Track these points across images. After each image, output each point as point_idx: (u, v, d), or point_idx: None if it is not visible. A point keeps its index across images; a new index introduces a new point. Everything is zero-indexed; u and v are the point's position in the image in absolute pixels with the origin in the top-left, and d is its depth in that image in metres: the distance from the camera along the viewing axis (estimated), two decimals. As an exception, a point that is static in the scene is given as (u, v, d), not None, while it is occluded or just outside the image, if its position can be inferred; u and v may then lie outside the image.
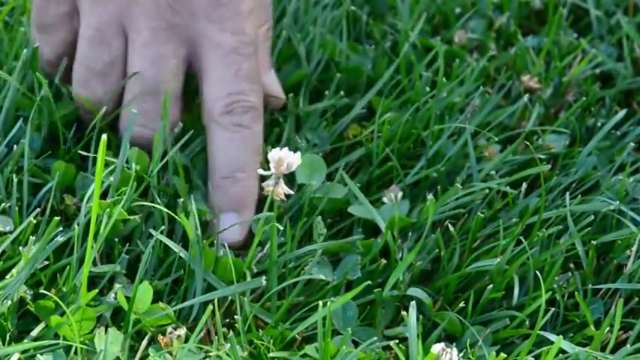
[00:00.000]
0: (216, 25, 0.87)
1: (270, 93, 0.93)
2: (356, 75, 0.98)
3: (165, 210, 0.84)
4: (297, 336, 0.81)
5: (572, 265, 0.87)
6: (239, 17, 0.87)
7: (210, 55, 0.87)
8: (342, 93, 0.96)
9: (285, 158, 0.81)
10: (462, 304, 0.83)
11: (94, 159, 0.86)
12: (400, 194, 0.89)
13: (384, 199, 0.88)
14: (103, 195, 0.83)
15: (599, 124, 0.95)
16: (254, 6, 0.88)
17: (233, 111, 0.86)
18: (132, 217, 0.84)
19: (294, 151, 0.81)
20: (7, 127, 0.89)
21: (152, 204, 0.85)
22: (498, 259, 0.84)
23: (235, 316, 0.80)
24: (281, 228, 0.83)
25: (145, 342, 0.80)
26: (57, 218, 0.81)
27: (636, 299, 0.85)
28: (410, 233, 0.87)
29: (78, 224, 0.81)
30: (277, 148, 0.81)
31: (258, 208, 0.87)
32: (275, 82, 0.94)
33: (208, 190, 0.87)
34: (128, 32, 0.87)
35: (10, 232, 0.83)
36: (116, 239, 0.84)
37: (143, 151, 0.87)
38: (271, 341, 0.80)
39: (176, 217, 0.83)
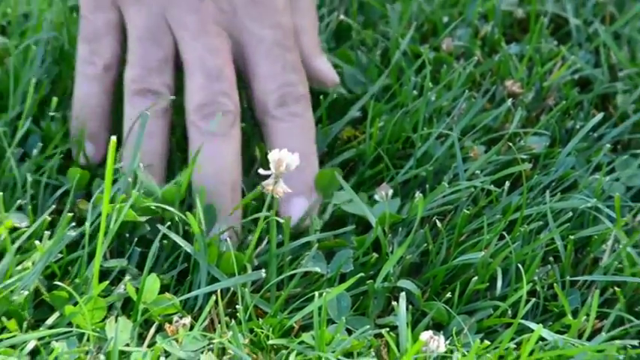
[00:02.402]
0: (256, 21, 0.86)
1: (323, 77, 0.93)
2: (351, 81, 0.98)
3: (172, 210, 0.84)
4: (294, 324, 0.82)
5: (551, 259, 0.87)
6: (276, 12, 0.87)
7: (255, 51, 0.86)
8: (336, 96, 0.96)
9: (284, 159, 0.80)
10: (448, 295, 0.84)
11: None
12: (391, 192, 0.89)
13: (376, 197, 0.89)
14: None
15: (577, 126, 0.96)
16: (287, 1, 0.88)
17: (286, 102, 0.86)
18: (139, 219, 0.84)
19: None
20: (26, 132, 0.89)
21: (160, 205, 0.85)
22: (483, 253, 0.84)
23: (237, 306, 0.81)
24: (281, 221, 0.83)
25: (152, 330, 0.80)
26: (70, 214, 0.82)
27: (611, 290, 0.85)
28: (400, 228, 0.87)
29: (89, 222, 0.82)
30: (277, 150, 0.80)
31: (259, 206, 0.87)
32: (327, 65, 0.93)
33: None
34: (175, 30, 0.86)
35: (27, 227, 0.84)
36: (126, 234, 0.85)
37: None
38: (270, 329, 0.81)
39: (181, 215, 0.84)
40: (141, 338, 0.80)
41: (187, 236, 0.84)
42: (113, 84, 0.89)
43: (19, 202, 0.86)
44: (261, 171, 0.82)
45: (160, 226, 0.83)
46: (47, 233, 0.82)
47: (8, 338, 0.78)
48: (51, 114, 0.90)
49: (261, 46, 0.86)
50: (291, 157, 0.80)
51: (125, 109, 0.87)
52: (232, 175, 0.85)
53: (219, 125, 0.85)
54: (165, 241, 0.84)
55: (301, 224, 0.86)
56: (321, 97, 0.95)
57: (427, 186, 0.90)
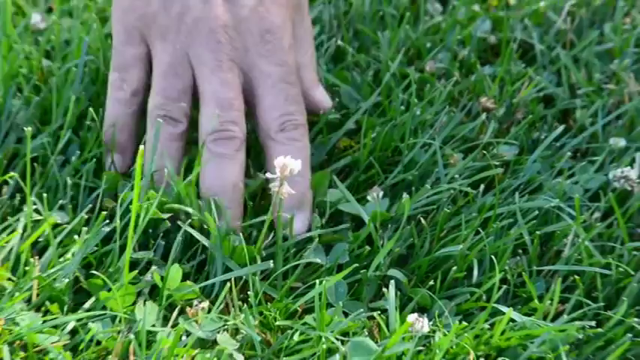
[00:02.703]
0: (265, 59, 0.86)
1: (320, 104, 0.93)
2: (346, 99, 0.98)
3: (191, 210, 0.84)
4: (298, 308, 0.82)
5: (520, 251, 0.87)
6: (282, 52, 0.87)
7: (263, 84, 0.86)
8: (334, 111, 0.96)
9: (288, 164, 0.80)
10: (431, 283, 0.84)
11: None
12: (381, 194, 0.89)
13: (368, 198, 0.88)
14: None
15: (542, 137, 0.96)
16: (292, 41, 0.88)
17: (286, 129, 0.86)
18: (163, 216, 0.84)
19: (296, 159, 0.81)
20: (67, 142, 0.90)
21: (179, 205, 0.85)
22: (461, 246, 0.84)
23: (248, 292, 0.81)
24: (288, 217, 0.83)
25: (175, 313, 0.80)
26: (104, 213, 0.82)
27: (571, 279, 0.85)
28: (389, 225, 0.87)
29: (119, 218, 0.82)
30: (282, 156, 0.80)
31: (267, 206, 0.87)
32: (323, 95, 0.93)
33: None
34: (195, 65, 0.86)
35: (67, 224, 0.84)
36: (150, 230, 0.85)
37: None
38: (277, 312, 0.81)
39: (199, 214, 0.84)
40: (165, 320, 0.80)
41: (203, 232, 0.84)
42: (139, 107, 0.88)
43: (60, 202, 0.86)
44: (268, 175, 0.82)
45: (181, 224, 0.83)
46: (85, 229, 0.82)
47: (51, 319, 0.78)
48: (87, 123, 0.90)
49: (268, 80, 0.86)
50: (294, 162, 0.80)
51: (147, 132, 0.87)
52: (235, 191, 0.85)
53: (227, 149, 0.85)
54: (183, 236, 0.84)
55: (299, 231, 0.86)
56: (320, 111, 0.94)
57: (413, 188, 0.90)
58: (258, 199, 0.89)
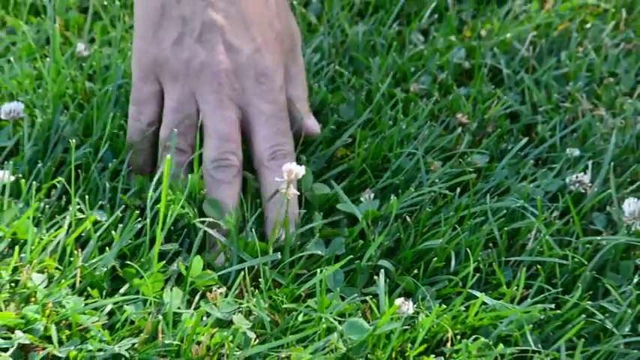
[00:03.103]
0: (260, 98, 0.86)
1: (311, 130, 0.92)
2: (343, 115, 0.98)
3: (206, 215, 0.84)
4: (302, 293, 0.81)
5: (491, 245, 0.87)
6: (275, 92, 0.87)
7: (257, 120, 0.86)
8: (332, 127, 0.95)
9: (294, 169, 0.81)
10: (415, 271, 0.83)
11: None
12: (372, 195, 0.88)
13: (362, 199, 0.88)
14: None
15: (509, 147, 0.95)
16: (283, 82, 0.88)
17: (276, 157, 0.86)
18: (185, 211, 0.84)
19: (301, 165, 0.82)
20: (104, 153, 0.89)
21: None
22: (440, 240, 0.84)
23: (259, 279, 0.81)
24: (294, 213, 0.83)
25: (197, 297, 0.80)
26: (137, 212, 0.82)
27: (534, 268, 0.85)
28: (379, 222, 0.87)
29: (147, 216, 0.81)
30: (289, 163, 0.82)
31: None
32: (314, 123, 0.93)
33: (263, 211, 0.86)
34: (200, 103, 0.86)
35: (106, 221, 0.84)
36: (171, 227, 0.85)
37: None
38: (284, 296, 0.80)
39: (217, 221, 0.84)
40: (189, 303, 0.80)
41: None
42: (154, 134, 0.89)
43: (100, 202, 0.85)
44: (277, 179, 0.82)
45: (199, 224, 0.83)
46: (120, 225, 0.82)
47: (92, 302, 0.78)
48: (122, 133, 0.90)
49: (262, 116, 0.87)
50: (298, 168, 0.81)
51: (159, 159, 0.87)
52: (232, 209, 0.85)
53: (226, 175, 0.85)
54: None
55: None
56: (321, 125, 0.94)
57: (399, 191, 0.89)
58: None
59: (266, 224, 0.86)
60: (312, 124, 0.93)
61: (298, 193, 0.83)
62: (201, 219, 0.83)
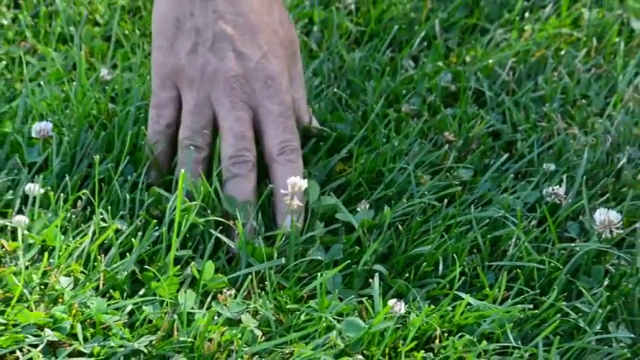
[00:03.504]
0: (268, 100, 0.87)
1: (313, 130, 0.93)
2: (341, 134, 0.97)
3: (221, 219, 0.84)
4: (304, 295, 0.81)
5: (475, 251, 0.86)
6: (281, 93, 0.87)
7: (267, 119, 0.87)
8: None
9: (297, 182, 0.82)
10: (407, 275, 0.83)
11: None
12: (368, 206, 0.88)
13: (358, 209, 0.88)
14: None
15: (491, 162, 0.95)
16: (289, 84, 0.88)
17: (285, 152, 0.86)
18: (200, 220, 0.83)
19: (303, 179, 0.82)
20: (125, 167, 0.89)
21: (210, 217, 0.84)
22: (429, 247, 0.84)
23: (265, 282, 0.80)
24: (299, 225, 0.83)
25: (209, 298, 0.80)
26: (155, 221, 0.82)
27: (514, 272, 0.84)
28: (374, 230, 0.86)
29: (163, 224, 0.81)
30: (292, 177, 0.82)
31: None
32: (315, 122, 0.94)
33: (274, 202, 0.86)
34: (215, 106, 0.86)
35: (126, 229, 0.83)
36: (186, 235, 0.84)
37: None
38: (288, 298, 0.80)
39: (229, 222, 0.84)
40: (201, 304, 0.80)
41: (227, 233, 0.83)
42: (172, 136, 0.89)
43: (121, 212, 0.85)
44: (282, 191, 0.82)
45: (212, 231, 0.83)
46: (139, 233, 0.82)
47: (114, 303, 0.78)
48: (141, 143, 0.90)
49: (270, 116, 0.87)
50: (302, 181, 0.82)
51: (178, 157, 0.87)
52: (249, 200, 0.85)
53: (242, 170, 0.85)
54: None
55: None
56: (321, 143, 0.94)
57: (392, 202, 0.89)
58: (269, 209, 0.88)
59: (277, 212, 0.85)
60: (311, 123, 0.93)
61: (302, 204, 0.83)
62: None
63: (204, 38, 0.86)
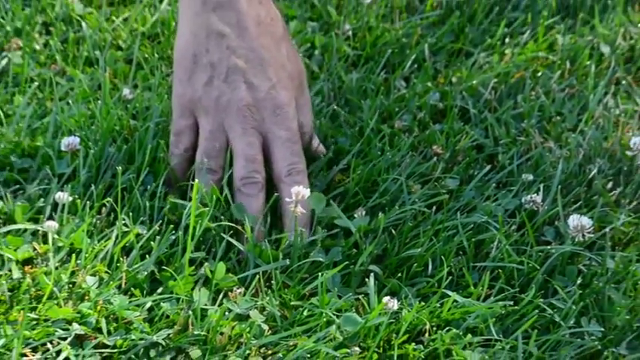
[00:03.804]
0: (276, 126, 0.87)
1: (318, 151, 0.93)
2: (340, 148, 0.98)
3: (231, 224, 0.84)
4: (306, 293, 0.81)
5: (461, 253, 0.86)
6: (288, 120, 0.87)
7: (275, 143, 0.87)
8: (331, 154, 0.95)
9: (301, 191, 0.82)
10: (399, 274, 0.83)
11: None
12: (364, 212, 0.88)
13: (355, 215, 0.88)
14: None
15: (475, 173, 0.95)
16: (295, 112, 0.89)
17: (292, 174, 0.86)
18: (212, 225, 0.84)
19: (305, 188, 0.82)
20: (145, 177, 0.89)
21: (221, 222, 0.84)
22: (420, 249, 0.84)
23: (272, 281, 0.81)
24: (303, 230, 0.83)
25: (221, 296, 0.80)
26: (172, 226, 0.82)
27: (496, 272, 0.85)
28: (370, 234, 0.87)
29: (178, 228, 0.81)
30: (296, 186, 0.82)
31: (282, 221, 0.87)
32: (318, 143, 0.94)
33: (283, 218, 0.86)
34: (228, 132, 0.87)
35: (146, 233, 0.84)
36: (200, 239, 0.84)
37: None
38: (292, 295, 0.80)
39: (239, 228, 0.83)
40: (214, 301, 0.80)
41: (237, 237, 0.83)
42: (189, 158, 0.89)
43: (141, 218, 0.85)
44: (287, 199, 0.82)
45: (224, 235, 0.83)
46: (158, 237, 0.82)
47: (135, 300, 0.78)
48: (160, 155, 0.90)
49: (278, 141, 0.87)
50: (304, 190, 0.82)
51: (196, 178, 0.87)
52: (258, 217, 0.85)
53: (252, 190, 0.86)
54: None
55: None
56: (322, 155, 0.94)
57: (386, 209, 0.89)
58: (274, 217, 0.88)
59: (284, 222, 0.85)
60: (319, 146, 0.93)
61: (305, 211, 0.83)
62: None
63: (219, 72, 0.86)
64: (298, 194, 0.81)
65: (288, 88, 0.88)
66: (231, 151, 0.87)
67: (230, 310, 0.78)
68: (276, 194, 0.85)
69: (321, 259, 0.83)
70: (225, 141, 0.87)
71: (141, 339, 0.75)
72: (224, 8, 0.86)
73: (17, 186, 0.89)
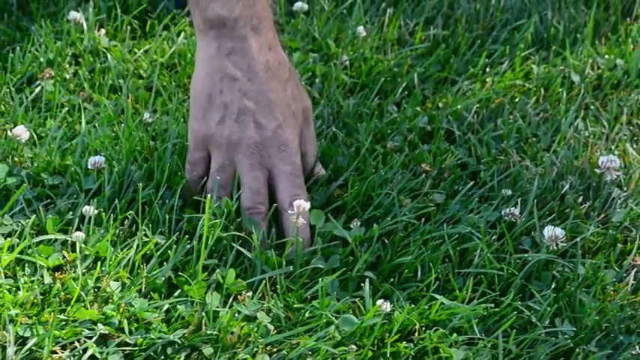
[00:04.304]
0: (281, 161, 0.87)
1: (319, 174, 0.93)
2: (338, 167, 0.97)
3: (240, 234, 0.84)
4: (308, 296, 0.81)
5: (447, 260, 0.86)
6: (292, 156, 0.87)
7: (279, 176, 0.87)
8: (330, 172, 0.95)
9: (302, 204, 0.82)
10: (392, 280, 0.83)
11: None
12: (359, 224, 0.88)
13: (351, 226, 0.88)
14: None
15: (460, 188, 0.95)
16: (298, 148, 0.88)
17: (293, 204, 0.84)
18: (224, 235, 0.83)
19: (306, 201, 0.82)
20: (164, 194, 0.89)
21: (232, 233, 0.84)
22: (410, 257, 0.84)
23: (277, 286, 0.80)
24: (301, 239, 0.83)
25: (231, 299, 0.79)
26: (187, 236, 0.82)
27: (479, 277, 0.84)
28: (365, 244, 0.86)
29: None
30: (298, 200, 0.82)
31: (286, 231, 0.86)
32: (321, 169, 0.93)
33: (286, 230, 0.85)
34: (237, 166, 0.87)
35: (165, 242, 0.83)
36: (213, 248, 0.84)
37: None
38: (295, 298, 0.80)
39: (248, 238, 0.83)
40: (225, 303, 0.79)
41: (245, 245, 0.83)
42: (202, 183, 0.89)
43: (160, 229, 0.85)
44: (289, 212, 0.82)
45: (234, 244, 0.82)
46: (175, 246, 0.82)
47: (154, 303, 0.78)
48: (177, 172, 0.90)
49: (282, 174, 0.87)
50: (305, 203, 0.82)
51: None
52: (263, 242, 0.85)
53: (256, 218, 0.85)
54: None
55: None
56: (322, 174, 0.94)
57: (380, 220, 0.89)
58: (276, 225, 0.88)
59: (286, 245, 0.85)
60: (320, 170, 0.94)
61: (305, 222, 0.83)
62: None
63: (231, 112, 0.87)
64: (299, 207, 0.82)
65: (292, 126, 0.88)
66: (239, 181, 0.87)
67: (239, 312, 0.77)
68: (275, 204, 0.86)
69: (320, 266, 0.83)
70: (234, 173, 0.87)
71: (159, 338, 0.75)
72: (237, 54, 0.87)
73: (48, 200, 0.88)
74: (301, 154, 0.90)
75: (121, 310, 0.77)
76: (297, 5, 1.18)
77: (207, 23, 0.87)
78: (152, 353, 0.74)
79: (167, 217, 0.86)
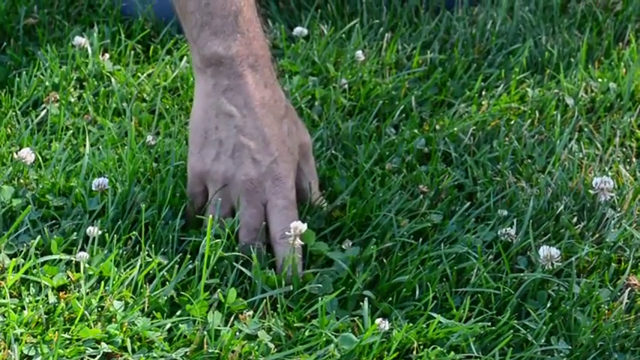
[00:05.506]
0: (275, 196, 0.87)
1: (321, 204, 0.92)
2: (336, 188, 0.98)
3: (241, 254, 0.84)
4: (307, 315, 0.81)
5: (444, 279, 0.86)
6: (286, 191, 0.87)
7: (273, 210, 0.86)
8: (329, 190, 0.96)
9: (299, 226, 0.82)
10: (390, 299, 0.83)
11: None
12: (351, 244, 0.88)
13: (343, 246, 0.88)
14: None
15: (457, 209, 0.95)
16: (293, 183, 0.88)
17: (285, 237, 0.85)
18: (225, 254, 0.84)
19: (303, 222, 0.83)
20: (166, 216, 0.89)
21: (233, 253, 0.85)
22: (408, 276, 0.84)
23: (277, 305, 0.80)
24: (299, 255, 0.83)
25: (232, 318, 0.80)
26: (189, 256, 0.82)
27: (476, 296, 0.84)
28: (362, 264, 0.86)
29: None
30: (295, 221, 0.83)
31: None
32: (320, 199, 0.93)
33: (276, 264, 0.86)
34: (233, 201, 0.87)
35: (168, 263, 0.84)
36: (214, 267, 0.84)
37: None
38: (295, 317, 0.80)
39: (249, 257, 0.83)
40: (226, 322, 0.79)
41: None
42: (200, 212, 0.89)
43: (162, 249, 0.85)
44: (287, 233, 0.82)
45: (235, 264, 0.83)
46: (177, 266, 0.82)
47: (156, 322, 0.78)
48: (179, 194, 0.91)
49: (276, 208, 0.86)
50: (302, 225, 0.82)
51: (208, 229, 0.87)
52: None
53: (254, 253, 0.85)
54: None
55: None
56: (323, 191, 0.94)
57: (378, 240, 0.89)
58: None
59: (277, 266, 0.86)
60: (319, 201, 0.93)
61: (303, 243, 0.83)
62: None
63: (226, 148, 0.87)
64: (296, 228, 0.82)
65: (287, 161, 0.88)
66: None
67: (240, 331, 0.78)
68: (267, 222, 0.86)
69: (319, 286, 0.83)
70: (231, 208, 0.87)
71: (161, 357, 0.75)
72: (233, 91, 0.87)
73: (53, 221, 0.89)
74: (301, 189, 0.90)
75: (124, 329, 0.77)
76: (297, 30, 1.19)
77: (204, 61, 0.88)
78: (154, 371, 0.74)
79: (170, 237, 0.86)
